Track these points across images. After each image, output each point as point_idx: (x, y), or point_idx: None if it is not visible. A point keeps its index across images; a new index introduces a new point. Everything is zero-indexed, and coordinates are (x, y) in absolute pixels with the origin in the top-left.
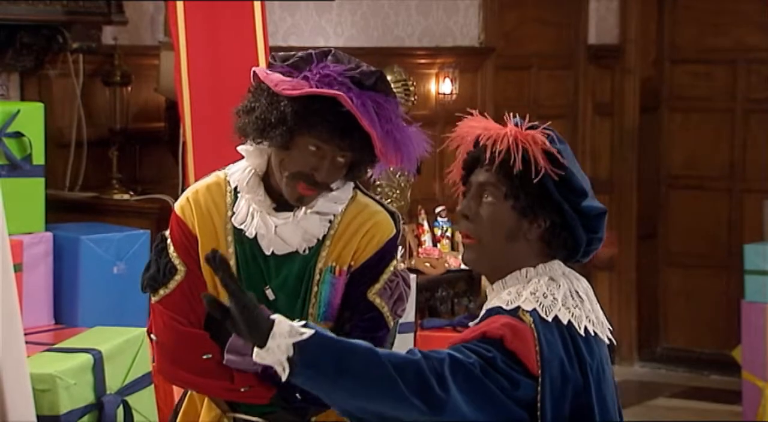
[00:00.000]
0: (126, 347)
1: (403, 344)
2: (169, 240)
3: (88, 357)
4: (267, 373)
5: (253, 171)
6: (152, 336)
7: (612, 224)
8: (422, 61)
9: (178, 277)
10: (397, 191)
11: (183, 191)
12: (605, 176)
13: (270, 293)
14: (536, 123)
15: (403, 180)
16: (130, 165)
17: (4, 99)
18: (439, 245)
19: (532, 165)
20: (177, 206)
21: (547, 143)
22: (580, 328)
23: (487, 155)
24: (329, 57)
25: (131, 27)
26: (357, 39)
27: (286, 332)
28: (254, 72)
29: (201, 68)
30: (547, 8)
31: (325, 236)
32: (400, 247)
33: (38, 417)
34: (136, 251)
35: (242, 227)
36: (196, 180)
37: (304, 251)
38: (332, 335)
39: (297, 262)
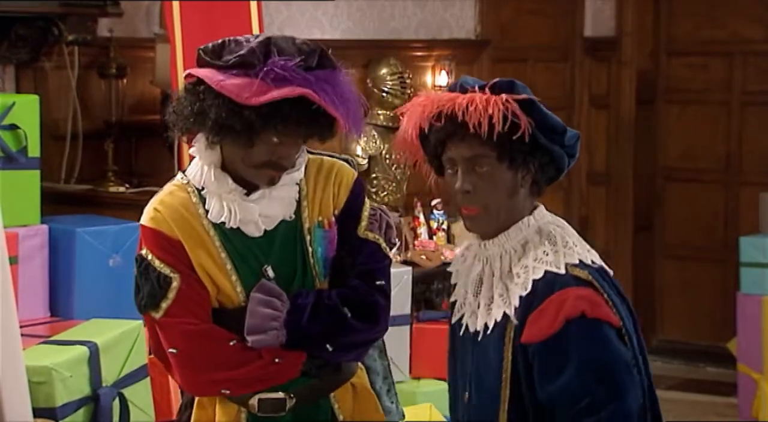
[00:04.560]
0: (122, 339)
1: (398, 336)
2: (149, 256)
3: (83, 350)
4: (290, 344)
5: (212, 167)
6: (171, 350)
7: (608, 215)
8: (418, 53)
9: (174, 284)
10: (393, 184)
11: None
12: (602, 168)
13: (270, 272)
14: (497, 80)
15: (399, 173)
16: (126, 157)
17: (0, 91)
18: (435, 237)
19: (516, 126)
20: (146, 220)
21: (518, 98)
22: (605, 266)
23: (471, 126)
24: (271, 47)
25: (127, 19)
26: (353, 31)
27: None
28: (191, 74)
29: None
30: (544, 0)
31: (299, 200)
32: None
33: (34, 409)
34: (131, 243)
35: (223, 220)
36: None
37: (290, 217)
38: None
39: (283, 232)
